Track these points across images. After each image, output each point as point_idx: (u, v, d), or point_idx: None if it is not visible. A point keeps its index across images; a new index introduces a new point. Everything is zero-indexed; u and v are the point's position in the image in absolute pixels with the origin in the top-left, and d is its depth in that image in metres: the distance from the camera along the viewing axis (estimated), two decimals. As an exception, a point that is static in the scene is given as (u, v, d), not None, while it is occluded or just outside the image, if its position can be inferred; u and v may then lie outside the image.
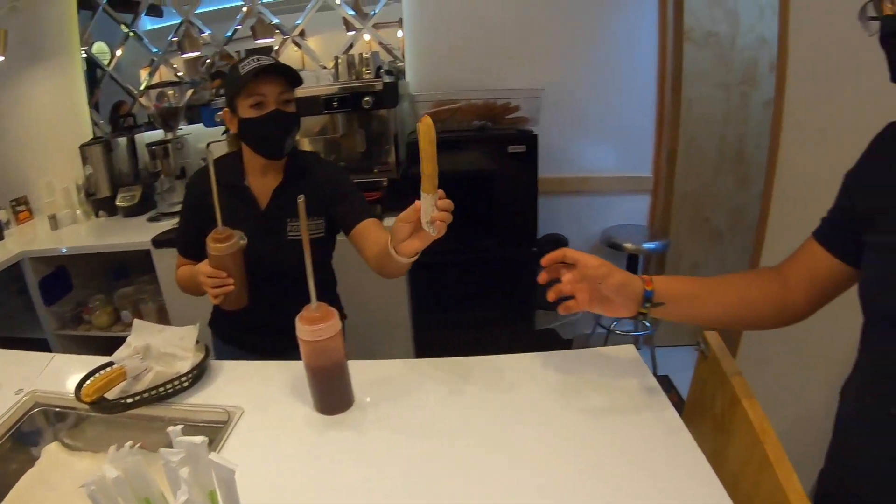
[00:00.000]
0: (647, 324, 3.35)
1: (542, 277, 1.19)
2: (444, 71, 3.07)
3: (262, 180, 1.74)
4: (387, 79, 2.73)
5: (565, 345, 3.22)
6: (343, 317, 1.85)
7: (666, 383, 3.16)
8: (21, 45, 3.21)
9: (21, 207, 3.38)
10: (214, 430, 1.31)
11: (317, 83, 2.75)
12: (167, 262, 2.62)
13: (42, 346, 2.95)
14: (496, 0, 3.00)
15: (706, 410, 1.31)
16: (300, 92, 2.40)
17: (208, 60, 3.47)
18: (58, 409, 1.55)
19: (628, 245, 3.03)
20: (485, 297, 2.89)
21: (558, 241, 3.16)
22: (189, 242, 1.78)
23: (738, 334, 2.44)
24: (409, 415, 1.29)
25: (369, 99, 2.57)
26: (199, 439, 0.72)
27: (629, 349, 1.47)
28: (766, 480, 0.95)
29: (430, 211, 1.17)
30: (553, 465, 1.09)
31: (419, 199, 1.18)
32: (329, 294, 1.88)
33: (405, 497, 1.05)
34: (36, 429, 1.57)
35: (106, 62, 3.59)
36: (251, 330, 1.79)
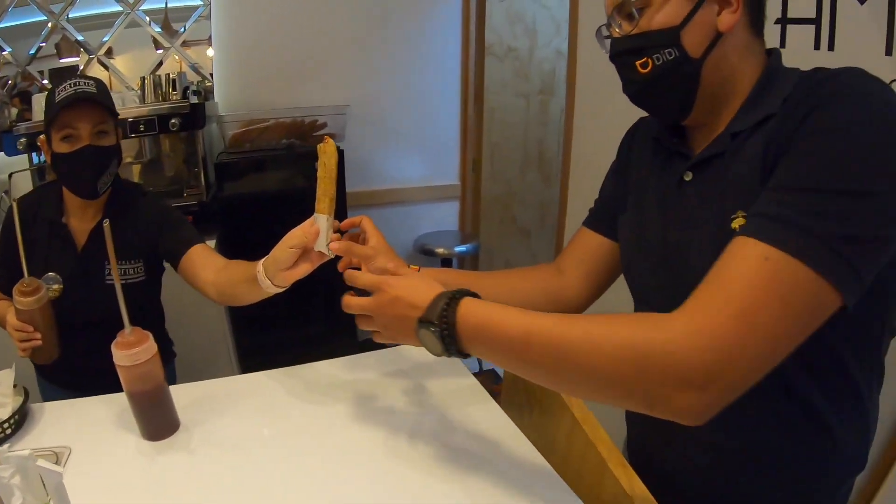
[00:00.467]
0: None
1: (340, 265, 1.14)
2: (252, 90, 3.07)
3: (80, 218, 1.59)
4: (194, 99, 2.71)
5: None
6: (173, 354, 1.88)
7: (492, 375, 3.39)
8: None
9: None
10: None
11: (122, 105, 2.72)
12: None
13: None
14: (303, 19, 3.04)
15: (519, 388, 1.39)
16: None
17: (10, 81, 3.34)
18: None
19: (440, 250, 3.22)
20: (305, 314, 2.94)
21: (373, 252, 3.27)
22: (2, 276, 1.59)
23: None
24: (233, 430, 1.28)
25: (176, 121, 2.53)
26: (25, 452, 0.73)
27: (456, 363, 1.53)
28: (578, 439, 1.05)
29: (329, 233, 1.14)
30: (377, 463, 1.13)
31: (308, 220, 1.16)
32: (157, 333, 1.49)
33: None
34: None
35: None
36: (74, 371, 1.62)
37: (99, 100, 1.45)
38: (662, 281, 0.96)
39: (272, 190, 2.79)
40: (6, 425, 1.31)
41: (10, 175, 2.84)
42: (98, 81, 1.50)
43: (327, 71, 3.15)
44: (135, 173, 2.85)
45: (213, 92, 3.13)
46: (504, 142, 3.62)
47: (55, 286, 1.50)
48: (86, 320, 1.56)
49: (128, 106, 2.75)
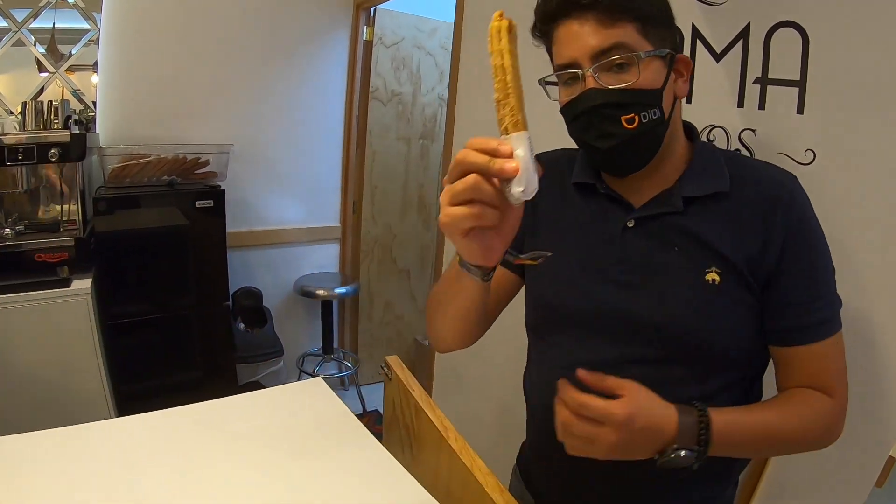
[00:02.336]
0: (349, 364, 3.62)
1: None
2: (135, 122, 3.00)
3: None
4: (76, 129, 2.59)
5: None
6: None
7: (375, 416, 3.44)
8: None
9: None
10: None
11: (2, 130, 2.60)
12: None
13: None
14: (190, 55, 3.03)
15: (400, 424, 1.44)
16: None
17: None
18: None
19: (321, 292, 3.26)
20: (185, 356, 2.89)
21: (252, 294, 3.28)
22: None
23: (431, 354, 2.77)
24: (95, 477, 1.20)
25: (56, 151, 2.42)
26: None
27: (317, 382, 1.56)
28: (457, 469, 1.10)
29: (531, 161, 0.73)
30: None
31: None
32: None
33: None
34: None
35: None
36: None
37: None
38: (613, 309, 1.01)
39: (151, 227, 2.74)
40: None
41: None
42: None
43: (213, 108, 3.14)
44: (9, 203, 2.71)
45: (94, 122, 3.02)
46: (385, 184, 3.70)
47: None
48: None
49: (7, 132, 2.63)
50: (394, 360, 1.46)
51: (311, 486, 1.16)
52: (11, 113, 2.99)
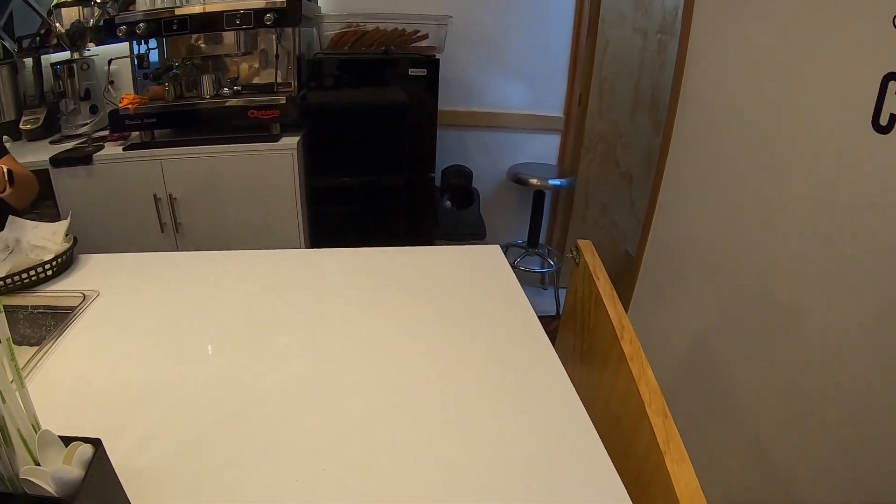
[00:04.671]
0: (552, 262, 3.41)
1: None
2: None
3: None
4: None
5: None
6: None
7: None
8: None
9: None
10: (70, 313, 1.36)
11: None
12: (66, 183, 2.57)
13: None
14: None
15: (577, 317, 1.34)
16: (202, 8, 2.39)
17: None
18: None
19: (534, 181, 3.06)
20: (384, 224, 2.88)
21: (463, 173, 3.18)
22: None
23: (636, 270, 2.49)
24: (254, 299, 1.38)
25: (271, 16, 2.50)
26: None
27: (494, 249, 1.50)
28: (622, 378, 0.97)
29: None
30: (408, 358, 1.12)
31: None
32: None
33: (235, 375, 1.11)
34: None
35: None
36: None
37: None
38: None
39: (363, 94, 2.71)
40: (48, 267, 1.50)
41: (110, 61, 2.86)
42: None
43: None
44: (230, 67, 2.82)
45: None
46: (615, 78, 3.37)
47: None
48: None
49: (226, 0, 2.72)
50: (585, 245, 1.37)
51: (454, 347, 1.14)
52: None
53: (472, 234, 3.01)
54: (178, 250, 2.72)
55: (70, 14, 3.21)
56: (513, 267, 2.92)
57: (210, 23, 2.57)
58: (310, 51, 2.91)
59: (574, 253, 1.39)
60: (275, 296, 1.38)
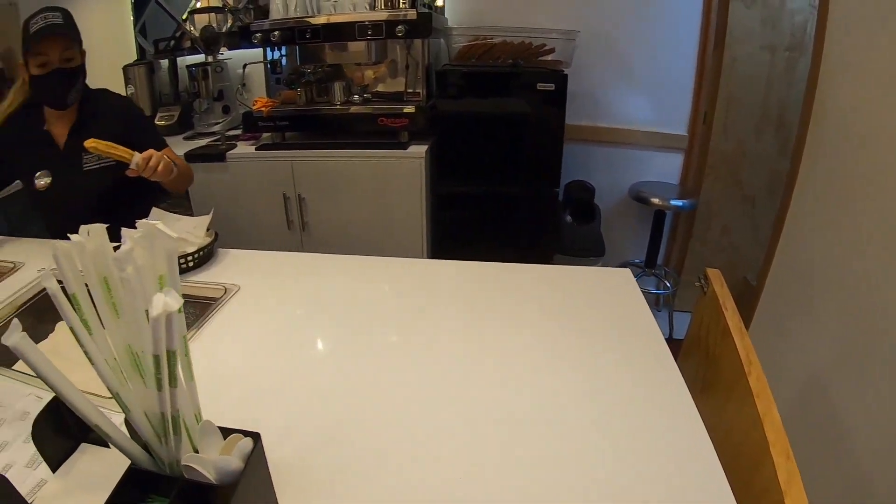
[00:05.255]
0: (668, 284, 3.32)
1: None
2: (481, 8, 3.02)
3: (59, 124, 1.89)
4: (421, 10, 2.71)
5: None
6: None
7: (677, 346, 3.13)
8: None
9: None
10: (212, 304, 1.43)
11: (353, 10, 2.76)
12: (199, 178, 2.67)
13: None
14: None
15: (701, 346, 1.30)
16: (336, 18, 2.46)
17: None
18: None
19: (656, 200, 2.98)
20: (504, 234, 2.87)
21: (585, 188, 3.13)
22: None
23: (756, 298, 2.39)
24: (390, 304, 1.42)
25: (402, 28, 2.54)
26: (157, 222, 0.72)
27: (625, 273, 1.47)
28: (746, 413, 0.94)
29: None
30: (534, 374, 1.11)
31: None
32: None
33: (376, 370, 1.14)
34: (52, 305, 1.67)
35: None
36: None
37: (64, 32, 1.73)
38: None
39: (490, 106, 2.71)
40: (190, 258, 1.60)
41: (245, 65, 2.96)
42: (64, 11, 1.76)
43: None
44: (360, 76, 2.87)
45: (442, 9, 3.10)
46: (742, 97, 3.26)
47: (46, 179, 1.82)
48: (74, 199, 1.88)
49: (358, 11, 2.78)
50: (714, 274, 1.33)
51: (582, 368, 1.12)
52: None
53: (591, 250, 2.96)
54: (302, 247, 2.81)
55: (203, 20, 3.35)
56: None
57: (342, 32, 2.63)
58: (437, 61, 2.94)
59: (702, 281, 1.35)
60: (408, 302, 1.41)
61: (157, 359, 0.62)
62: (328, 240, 2.78)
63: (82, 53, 1.83)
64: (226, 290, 1.47)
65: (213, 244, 1.67)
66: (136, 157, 1.64)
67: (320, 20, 2.62)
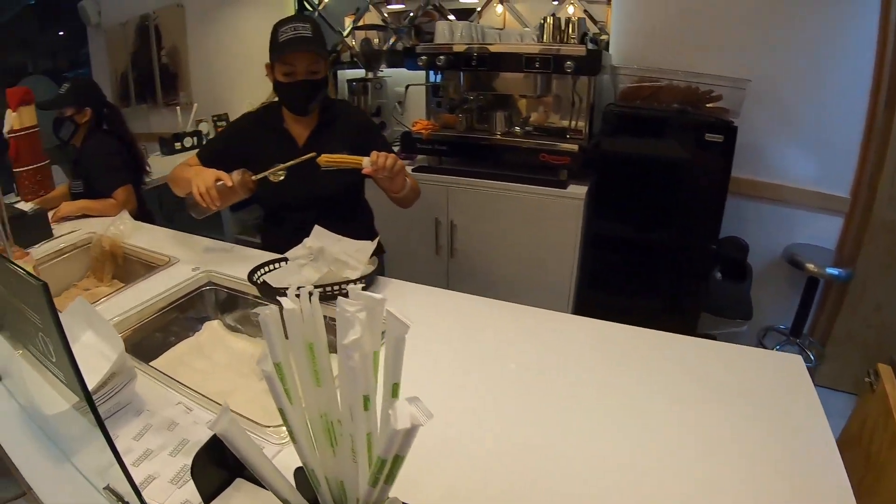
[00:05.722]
0: (811, 356, 3.15)
1: None
2: (646, 48, 2.98)
3: (299, 124, 2.03)
4: (591, 46, 2.68)
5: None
6: (381, 251, 2.09)
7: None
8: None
9: (221, 122, 3.77)
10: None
11: (520, 41, 2.75)
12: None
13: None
14: None
15: (861, 446, 1.22)
16: (503, 48, 2.46)
17: (412, 14, 3.55)
18: (227, 291, 1.76)
19: (810, 266, 2.83)
20: (654, 286, 2.79)
21: (740, 246, 3.01)
22: (213, 158, 2.00)
23: None
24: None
25: (571, 63, 2.52)
26: (378, 296, 0.69)
27: (796, 359, 1.36)
28: None
29: None
30: (689, 456, 1.05)
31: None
32: (366, 224, 2.25)
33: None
34: (203, 304, 1.77)
35: (316, 2, 3.77)
36: (288, 241, 1.83)
37: (313, 47, 1.84)
38: None
39: (654, 150, 2.65)
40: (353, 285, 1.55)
41: (407, 86, 2.99)
42: (313, 23, 1.87)
43: (726, 40, 2.93)
44: (522, 107, 2.86)
45: (607, 45, 3.07)
46: (912, 163, 3.08)
47: (280, 173, 1.85)
48: (307, 198, 2.00)
49: (526, 42, 2.77)
50: (886, 371, 1.24)
51: (742, 455, 1.04)
52: (527, 26, 3.14)
53: (739, 311, 2.83)
54: (448, 274, 2.80)
55: (363, 36, 3.42)
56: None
57: (509, 63, 2.63)
58: (601, 100, 2.90)
59: (871, 377, 1.26)
60: (579, 366, 1.36)
61: (382, 461, 0.62)
62: (475, 270, 2.78)
63: (327, 65, 1.95)
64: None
65: (374, 273, 1.65)
66: (371, 156, 1.72)
67: (489, 49, 2.63)
